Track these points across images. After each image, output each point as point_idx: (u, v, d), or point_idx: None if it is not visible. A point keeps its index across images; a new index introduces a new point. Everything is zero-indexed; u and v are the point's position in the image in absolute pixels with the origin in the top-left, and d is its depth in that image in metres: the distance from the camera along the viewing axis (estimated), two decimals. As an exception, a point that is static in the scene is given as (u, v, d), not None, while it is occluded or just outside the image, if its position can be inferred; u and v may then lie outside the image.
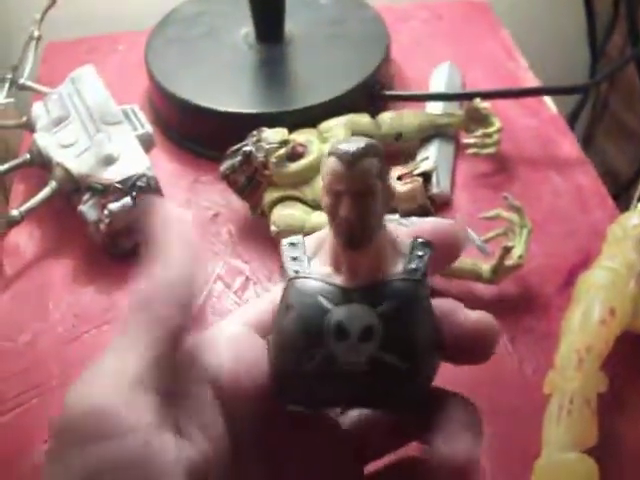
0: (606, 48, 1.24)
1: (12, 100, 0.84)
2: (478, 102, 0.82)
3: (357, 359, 0.33)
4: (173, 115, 0.89)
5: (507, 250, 0.65)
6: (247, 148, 0.72)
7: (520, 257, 0.66)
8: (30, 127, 0.81)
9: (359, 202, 0.33)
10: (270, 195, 0.72)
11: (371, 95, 0.87)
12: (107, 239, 0.72)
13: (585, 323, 0.58)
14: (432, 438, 0.34)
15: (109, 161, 0.72)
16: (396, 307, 0.34)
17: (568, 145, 0.85)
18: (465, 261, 0.67)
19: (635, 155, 1.26)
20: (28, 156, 0.77)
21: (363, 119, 0.80)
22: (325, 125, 0.77)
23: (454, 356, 0.37)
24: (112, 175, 0.71)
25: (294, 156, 0.72)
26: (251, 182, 0.73)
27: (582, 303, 0.60)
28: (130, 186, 0.71)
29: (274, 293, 0.38)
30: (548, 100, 0.91)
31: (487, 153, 0.81)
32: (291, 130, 0.75)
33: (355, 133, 0.78)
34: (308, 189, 0.71)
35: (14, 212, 0.72)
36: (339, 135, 0.76)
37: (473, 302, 0.67)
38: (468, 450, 0.34)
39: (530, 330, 0.67)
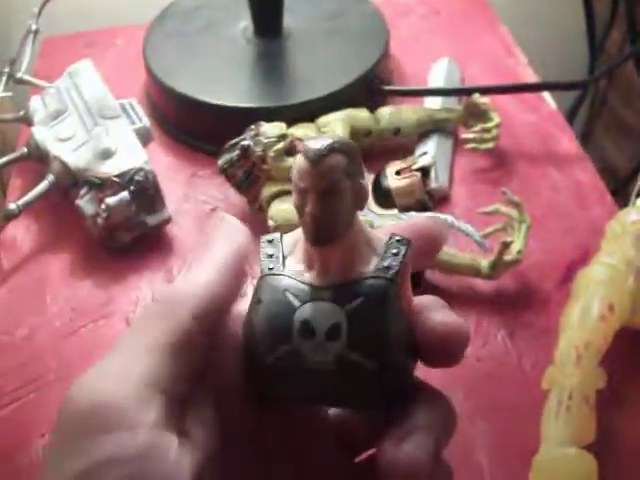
0: (605, 45, 1.24)
1: (10, 94, 0.84)
2: (477, 97, 0.82)
3: (324, 358, 0.33)
4: (171, 109, 0.88)
5: (506, 245, 0.65)
6: (245, 142, 0.72)
7: (519, 252, 0.66)
8: (28, 121, 0.81)
9: (324, 199, 0.33)
10: (268, 189, 0.72)
11: (370, 90, 0.87)
12: (104, 233, 0.72)
13: (584, 319, 0.58)
14: (384, 438, 0.34)
15: (106, 155, 0.72)
16: (364, 306, 0.33)
17: (567, 141, 0.85)
18: (464, 256, 0.67)
19: (633, 151, 1.26)
20: (25, 150, 0.77)
21: (361, 114, 0.80)
22: (323, 120, 0.77)
23: (425, 357, 0.36)
24: (110, 169, 0.71)
25: (292, 150, 0.72)
26: (249, 176, 0.73)
27: (581, 299, 0.60)
28: (128, 180, 0.71)
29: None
30: (547, 96, 0.91)
31: (486, 148, 0.81)
32: (289, 124, 0.75)
33: (353, 128, 0.78)
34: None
35: (11, 206, 0.72)
36: (337, 130, 0.76)
37: (472, 297, 0.68)
38: (413, 454, 0.32)
39: (529, 326, 0.67)
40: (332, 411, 0.41)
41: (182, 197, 0.80)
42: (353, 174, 0.33)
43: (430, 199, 0.74)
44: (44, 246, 0.76)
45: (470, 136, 0.81)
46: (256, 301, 0.35)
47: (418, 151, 0.81)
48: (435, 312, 0.35)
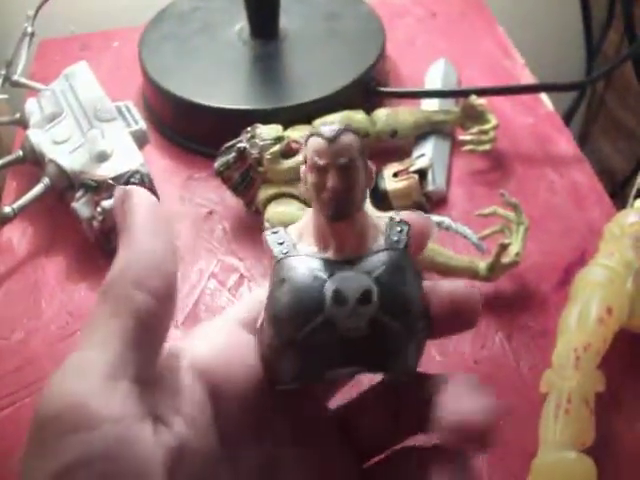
0: (602, 46, 1.24)
1: (5, 96, 0.84)
2: (474, 99, 0.82)
3: (357, 323, 0.34)
4: (167, 111, 0.88)
5: (504, 247, 0.65)
6: (241, 145, 0.72)
7: (517, 254, 0.66)
8: (23, 123, 0.81)
9: (344, 174, 0.35)
10: (265, 192, 0.72)
11: (366, 92, 0.86)
12: (100, 236, 0.72)
13: (582, 321, 0.58)
14: (437, 401, 0.35)
15: (102, 158, 0.72)
16: (388, 272, 0.35)
17: (564, 142, 0.85)
18: (462, 259, 0.67)
19: (631, 153, 1.26)
20: (21, 153, 0.77)
21: (358, 116, 0.80)
22: (320, 121, 0.77)
23: (440, 326, 0.37)
24: (105, 172, 0.71)
25: (288, 153, 0.72)
26: (245, 179, 0.72)
27: (579, 301, 0.60)
28: (123, 183, 0.70)
29: (264, 290, 0.38)
30: (544, 97, 0.91)
31: (483, 150, 0.81)
32: (286, 127, 0.75)
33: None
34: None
35: (7, 209, 0.72)
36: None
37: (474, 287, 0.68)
38: (480, 407, 0.34)
39: (527, 328, 0.66)
40: (339, 412, 0.41)
41: (178, 200, 0.80)
42: (363, 153, 0.36)
43: (427, 201, 0.74)
44: (40, 249, 0.76)
45: (467, 138, 0.81)
46: (279, 281, 0.36)
47: (415, 153, 0.81)
48: (444, 283, 0.38)
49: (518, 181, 0.80)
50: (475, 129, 0.82)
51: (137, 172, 0.71)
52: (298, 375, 0.36)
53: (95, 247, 0.74)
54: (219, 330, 0.39)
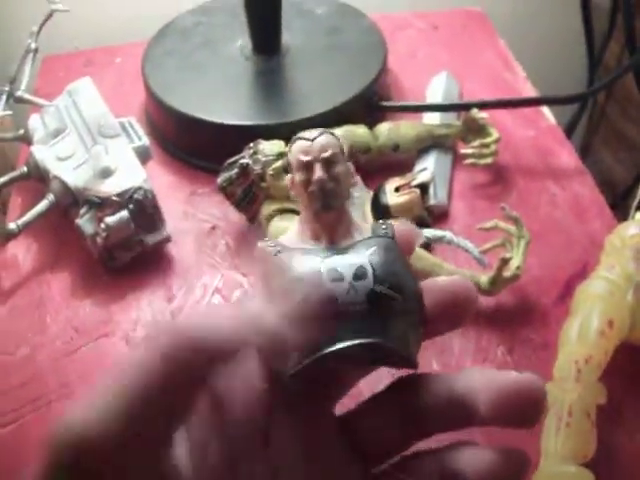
0: (603, 57, 1.24)
1: (9, 112, 0.84)
2: (475, 112, 0.82)
3: (355, 297, 0.35)
4: (170, 127, 0.89)
5: (505, 261, 0.65)
6: (244, 160, 0.72)
7: (518, 268, 0.66)
8: (27, 140, 0.81)
9: (328, 166, 0.38)
10: (267, 207, 0.72)
11: (368, 106, 0.87)
12: (104, 252, 0.72)
13: (583, 334, 0.58)
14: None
15: (106, 174, 0.72)
16: (381, 252, 0.37)
17: (566, 155, 0.85)
18: (463, 272, 0.67)
19: (632, 164, 1.26)
20: (25, 169, 0.77)
21: (360, 130, 0.80)
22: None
23: (436, 323, 0.38)
24: (109, 188, 0.71)
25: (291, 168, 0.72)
26: (248, 194, 0.73)
27: (580, 314, 0.60)
28: (127, 199, 0.71)
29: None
30: (546, 110, 0.92)
31: (484, 163, 0.81)
32: (288, 142, 0.75)
33: (352, 144, 0.78)
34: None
35: (11, 225, 0.72)
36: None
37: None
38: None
39: (528, 341, 0.66)
40: (344, 418, 0.41)
41: (181, 215, 0.81)
42: (344, 154, 0.39)
43: (429, 215, 0.74)
44: (44, 265, 0.76)
45: (469, 151, 0.82)
46: (278, 270, 0.37)
47: (417, 167, 0.81)
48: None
49: (519, 194, 0.81)
50: (477, 142, 0.82)
51: (140, 188, 0.71)
52: (304, 357, 0.36)
53: (99, 263, 0.74)
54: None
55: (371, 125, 0.82)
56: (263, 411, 0.37)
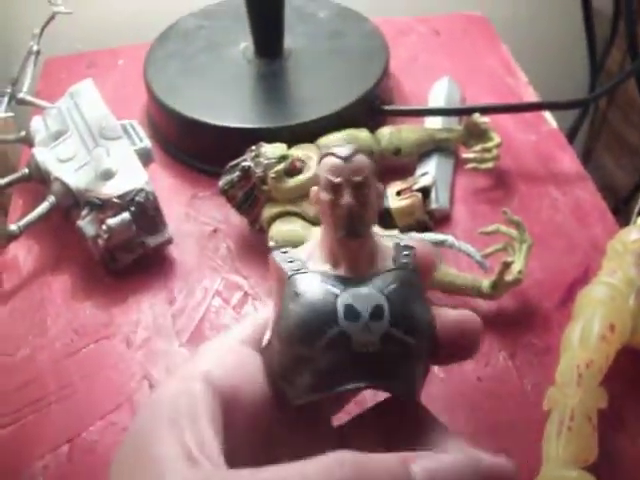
0: (605, 63, 1.24)
1: (11, 114, 0.84)
2: (477, 117, 0.82)
3: (370, 338, 0.35)
4: (172, 130, 0.89)
5: (506, 265, 0.65)
6: (245, 163, 0.72)
7: (520, 272, 0.66)
8: (29, 141, 0.81)
9: (358, 192, 0.36)
10: (269, 210, 0.72)
11: (370, 110, 0.87)
12: (105, 254, 0.72)
13: (585, 339, 0.58)
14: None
15: (107, 176, 0.72)
16: (399, 290, 0.36)
17: (568, 160, 0.85)
18: (465, 277, 0.67)
19: (634, 169, 1.26)
20: (27, 170, 0.77)
21: (362, 134, 0.80)
22: (324, 140, 0.77)
23: (445, 351, 0.38)
24: (110, 190, 0.71)
25: (293, 171, 0.72)
26: (249, 197, 0.73)
27: (582, 319, 0.60)
28: (128, 201, 0.71)
29: (269, 308, 0.39)
30: (547, 115, 0.92)
31: (486, 168, 0.81)
32: (290, 145, 0.75)
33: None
34: (307, 204, 0.71)
35: (13, 227, 0.72)
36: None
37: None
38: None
39: (530, 346, 0.66)
40: (339, 429, 0.41)
41: (183, 218, 0.81)
42: (375, 175, 0.37)
43: (431, 219, 0.74)
44: (45, 267, 0.76)
45: (470, 156, 0.82)
46: (292, 296, 0.36)
47: (419, 171, 0.81)
48: (449, 310, 0.39)
49: (521, 199, 0.81)
50: (478, 147, 0.82)
51: (142, 190, 0.71)
52: (311, 391, 0.36)
53: (100, 265, 0.74)
54: (229, 350, 0.39)
55: (373, 129, 0.82)
56: (266, 423, 0.37)
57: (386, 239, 0.39)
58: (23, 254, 0.78)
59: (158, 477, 0.31)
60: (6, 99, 0.85)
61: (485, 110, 0.85)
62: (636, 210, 0.76)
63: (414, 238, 0.42)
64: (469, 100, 0.94)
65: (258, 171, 0.71)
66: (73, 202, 0.73)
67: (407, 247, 0.38)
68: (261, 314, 0.41)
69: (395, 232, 0.69)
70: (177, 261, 0.76)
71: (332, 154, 0.37)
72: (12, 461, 0.60)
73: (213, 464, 0.32)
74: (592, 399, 0.55)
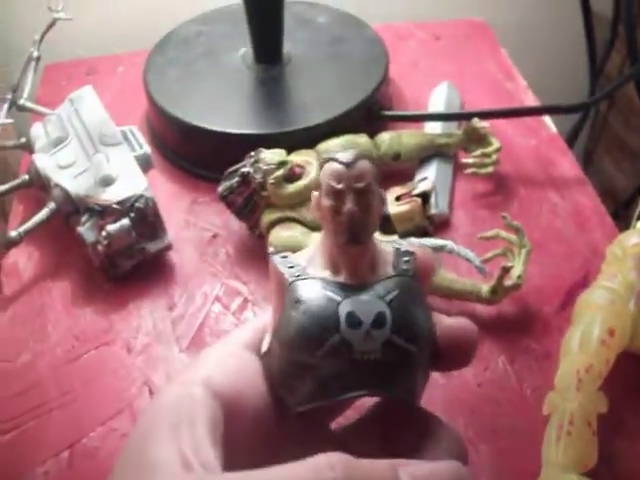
0: (605, 67, 1.24)
1: (11, 121, 0.84)
2: (476, 122, 0.82)
3: (372, 345, 0.35)
4: (171, 136, 0.89)
5: (506, 270, 0.65)
6: (245, 169, 0.72)
7: (519, 277, 0.66)
8: (29, 148, 0.82)
9: (361, 198, 0.36)
10: (268, 216, 0.73)
11: (370, 115, 0.87)
12: (105, 260, 0.72)
13: (584, 343, 0.58)
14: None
15: (107, 182, 0.72)
16: (400, 297, 0.36)
17: (567, 165, 0.86)
18: (464, 282, 0.67)
19: (634, 173, 1.26)
20: (27, 177, 0.77)
21: (361, 139, 0.80)
22: (323, 146, 0.77)
23: (442, 359, 0.39)
24: (110, 196, 0.71)
25: (292, 177, 0.72)
26: (249, 203, 0.73)
27: (581, 323, 0.60)
28: (128, 207, 0.71)
29: (269, 313, 0.39)
30: (547, 119, 0.92)
31: (485, 173, 0.82)
32: (289, 151, 0.75)
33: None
34: (306, 210, 0.71)
35: (13, 233, 0.73)
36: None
37: (472, 322, 0.68)
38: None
39: (529, 350, 0.66)
40: (337, 434, 0.42)
41: (183, 224, 0.81)
42: (377, 179, 0.37)
43: (430, 224, 0.74)
44: (46, 273, 0.77)
45: (470, 161, 0.82)
46: (293, 302, 0.36)
47: (418, 176, 0.81)
48: (446, 317, 0.39)
49: (520, 203, 0.81)
50: (478, 152, 0.82)
51: (141, 196, 0.72)
52: (312, 398, 0.36)
53: (100, 271, 0.74)
54: (229, 355, 0.39)
55: (373, 134, 0.82)
56: (266, 427, 0.37)
57: (385, 244, 0.39)
58: (23, 260, 0.78)
59: None
60: (6, 106, 0.85)
61: (485, 115, 0.85)
62: (636, 214, 0.76)
63: (413, 243, 0.41)
64: (469, 105, 0.94)
65: (257, 177, 0.71)
66: (73, 208, 0.73)
67: (407, 253, 0.38)
68: (261, 319, 0.41)
69: (394, 237, 0.70)
70: (177, 267, 0.76)
71: (334, 160, 0.37)
72: (13, 467, 0.61)
73: (207, 469, 0.32)
74: (592, 404, 0.55)
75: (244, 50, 0.93)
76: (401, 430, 0.40)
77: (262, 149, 0.74)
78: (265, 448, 0.37)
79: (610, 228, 0.78)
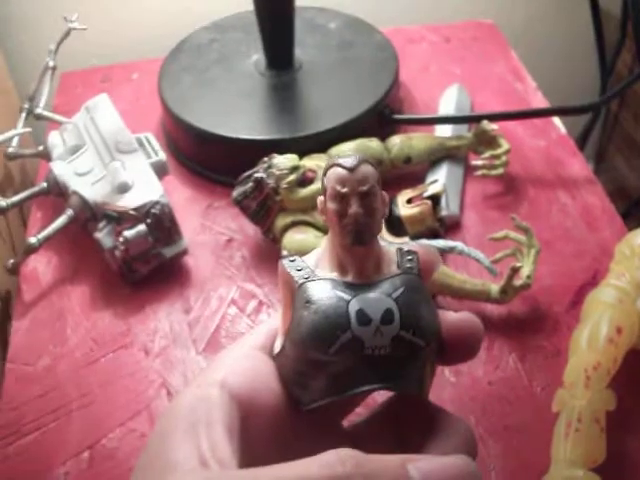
0: (615, 66, 1.25)
1: (29, 130, 0.86)
2: (486, 124, 0.83)
3: (381, 341, 0.36)
4: (186, 142, 0.90)
5: (515, 270, 0.66)
6: (258, 175, 0.73)
7: (528, 277, 0.67)
8: (46, 156, 0.83)
9: (365, 201, 0.37)
10: (282, 220, 0.74)
11: (381, 119, 0.87)
12: (123, 265, 0.73)
13: (592, 341, 0.59)
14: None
15: (123, 189, 0.74)
16: (407, 294, 0.37)
17: (577, 165, 0.86)
18: (474, 282, 0.68)
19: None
20: (45, 185, 0.78)
21: (372, 143, 0.81)
22: (335, 150, 0.78)
23: (449, 352, 0.40)
24: (127, 203, 0.73)
25: (304, 182, 0.73)
26: (263, 208, 0.74)
27: (589, 321, 0.61)
28: (144, 213, 0.72)
29: (279, 316, 0.40)
30: (557, 120, 0.92)
31: (496, 174, 0.82)
32: (302, 156, 0.76)
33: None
34: (318, 214, 0.72)
35: (32, 239, 0.74)
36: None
37: (483, 322, 0.68)
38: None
39: (539, 349, 0.67)
40: (350, 432, 0.43)
41: (199, 228, 0.82)
42: (379, 183, 0.38)
43: (441, 226, 0.75)
44: (64, 278, 0.78)
45: (480, 163, 0.83)
46: (304, 303, 0.37)
47: (429, 179, 0.82)
48: (451, 313, 0.40)
49: (530, 204, 0.81)
50: (487, 154, 0.83)
51: (157, 203, 0.73)
52: (326, 394, 0.37)
53: (118, 276, 0.75)
54: (244, 356, 0.40)
55: (384, 137, 0.83)
56: (281, 427, 0.39)
57: (388, 245, 0.40)
58: (42, 266, 0.79)
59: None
60: (24, 115, 0.86)
61: (495, 117, 0.86)
62: (647, 212, 0.76)
63: (420, 243, 0.43)
64: (478, 107, 0.95)
65: (270, 182, 0.72)
66: (90, 215, 0.74)
67: (410, 252, 0.40)
68: (272, 322, 0.42)
69: (406, 239, 0.71)
70: (193, 271, 0.77)
71: (338, 165, 0.38)
72: (35, 468, 0.62)
73: (223, 466, 0.33)
74: (600, 401, 0.56)
75: (256, 57, 0.94)
76: (411, 425, 0.41)
77: (275, 154, 0.75)
78: (280, 446, 0.38)
79: (620, 227, 0.78)
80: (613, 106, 1.35)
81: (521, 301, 0.70)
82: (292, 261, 0.39)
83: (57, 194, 0.78)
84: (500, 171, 0.82)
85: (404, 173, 0.83)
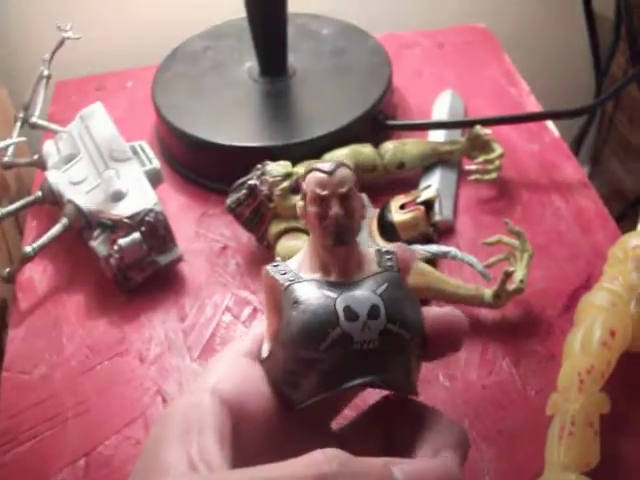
0: (610, 68, 1.25)
1: (24, 139, 0.86)
2: (479, 129, 0.83)
3: (370, 336, 0.37)
4: (180, 150, 0.90)
5: (508, 275, 0.66)
6: (252, 182, 0.73)
7: (521, 281, 0.67)
8: (42, 165, 0.83)
9: (344, 202, 0.39)
10: (275, 227, 0.74)
11: (374, 125, 0.88)
12: (118, 273, 0.74)
13: (586, 345, 0.59)
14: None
15: (118, 197, 0.74)
16: (390, 289, 0.39)
17: (570, 169, 0.86)
18: (468, 287, 0.68)
19: (641, 173, 1.26)
20: (40, 193, 0.78)
21: (366, 149, 0.81)
22: (329, 156, 0.79)
23: (433, 347, 0.41)
24: (121, 211, 0.73)
25: (298, 188, 0.73)
26: (256, 215, 0.74)
27: (583, 325, 0.61)
28: (139, 221, 0.72)
29: (264, 322, 0.41)
30: (550, 124, 0.92)
31: (489, 179, 0.83)
32: (296, 162, 0.76)
33: (358, 163, 0.79)
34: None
35: (27, 248, 0.74)
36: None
37: (477, 327, 0.69)
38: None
39: (533, 353, 0.67)
40: (339, 433, 0.43)
41: (193, 236, 0.82)
42: (357, 186, 0.40)
43: (435, 231, 0.75)
44: (60, 287, 0.78)
45: (473, 167, 0.83)
46: (292, 303, 0.38)
47: (422, 184, 0.82)
48: (434, 307, 0.42)
49: (524, 208, 0.82)
50: (481, 159, 0.83)
51: (151, 210, 0.73)
52: (318, 391, 0.38)
53: (113, 284, 0.76)
54: (234, 363, 0.41)
55: (377, 143, 0.83)
56: (271, 430, 0.39)
57: (366, 247, 0.42)
58: (38, 275, 0.79)
59: None
60: (19, 124, 0.87)
61: (488, 122, 0.86)
62: (640, 216, 0.76)
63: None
64: (472, 111, 0.95)
65: (264, 189, 0.73)
66: (85, 223, 0.75)
67: (388, 252, 0.41)
68: (258, 327, 0.43)
69: (398, 245, 0.71)
70: (188, 278, 0.77)
71: (317, 169, 0.39)
72: (31, 476, 0.62)
73: (212, 469, 0.34)
74: (594, 404, 0.56)
75: (250, 64, 0.94)
76: (400, 424, 0.41)
77: (268, 162, 0.75)
78: (272, 449, 0.39)
79: (613, 230, 0.78)
80: (608, 108, 1.36)
81: (515, 305, 0.70)
82: (275, 266, 0.41)
83: (52, 203, 0.78)
84: (493, 176, 0.82)
85: (397, 179, 0.83)
